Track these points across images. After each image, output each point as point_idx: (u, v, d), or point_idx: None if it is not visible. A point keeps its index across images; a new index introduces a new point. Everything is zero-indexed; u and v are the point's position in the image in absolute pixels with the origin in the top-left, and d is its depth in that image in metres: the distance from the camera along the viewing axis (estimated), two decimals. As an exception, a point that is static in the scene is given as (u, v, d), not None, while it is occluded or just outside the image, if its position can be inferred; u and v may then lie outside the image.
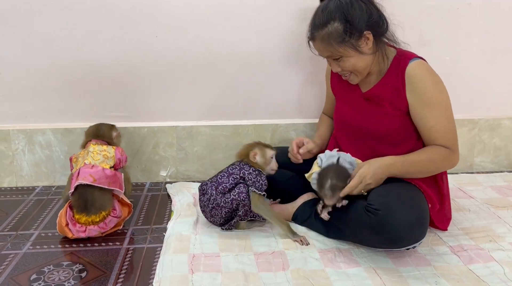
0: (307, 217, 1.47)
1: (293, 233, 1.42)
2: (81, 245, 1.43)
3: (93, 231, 1.44)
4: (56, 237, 1.48)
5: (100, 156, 1.54)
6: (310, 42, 1.41)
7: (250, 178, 1.45)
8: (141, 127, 1.89)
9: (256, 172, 1.47)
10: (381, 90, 1.42)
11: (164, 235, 1.48)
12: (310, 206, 1.49)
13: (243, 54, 1.85)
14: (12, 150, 1.86)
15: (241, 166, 1.49)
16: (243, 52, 1.84)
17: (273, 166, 1.53)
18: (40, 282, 1.23)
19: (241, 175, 1.46)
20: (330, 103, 1.70)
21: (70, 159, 1.62)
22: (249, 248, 1.36)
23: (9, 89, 1.82)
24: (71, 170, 1.59)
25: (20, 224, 1.57)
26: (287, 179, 1.61)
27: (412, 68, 1.37)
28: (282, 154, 1.65)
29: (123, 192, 1.55)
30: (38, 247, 1.41)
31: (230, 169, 1.50)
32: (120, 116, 1.87)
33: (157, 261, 1.33)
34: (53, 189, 1.87)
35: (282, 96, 1.92)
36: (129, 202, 1.58)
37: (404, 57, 1.40)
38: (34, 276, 1.26)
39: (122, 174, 1.58)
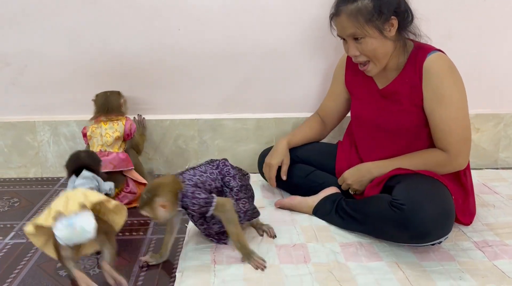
0: (328, 211, 1.47)
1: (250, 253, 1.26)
2: (105, 234, 1.45)
3: None
4: (81, 226, 1.51)
5: (111, 139, 1.63)
6: (333, 19, 1.39)
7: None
8: (163, 120, 1.91)
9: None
10: (399, 87, 1.41)
11: (186, 226, 1.49)
12: (331, 200, 1.48)
13: (265, 47, 1.85)
14: (37, 142, 1.90)
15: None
16: (266, 45, 1.84)
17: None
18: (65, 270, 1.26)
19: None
20: (332, 102, 1.66)
21: (84, 134, 1.67)
22: (271, 240, 1.37)
23: (35, 81, 1.86)
24: (86, 144, 1.69)
25: (46, 213, 1.60)
26: (307, 174, 1.62)
27: (430, 61, 1.34)
28: (304, 149, 1.66)
29: (133, 168, 1.64)
30: (64, 235, 1.44)
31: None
32: (143, 108, 1.89)
33: (179, 251, 1.35)
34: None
35: (304, 90, 1.91)
36: (145, 181, 1.65)
37: (422, 51, 1.37)
38: (59, 264, 1.29)
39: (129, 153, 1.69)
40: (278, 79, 1.90)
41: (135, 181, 1.65)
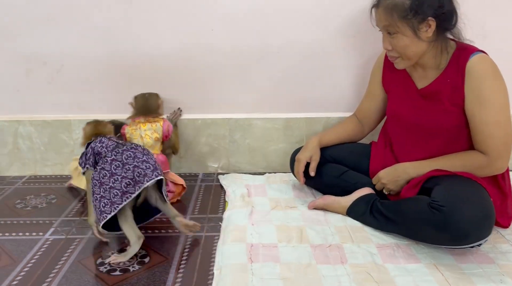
0: (362, 212, 1.47)
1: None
2: (143, 231, 1.46)
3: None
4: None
5: (151, 140, 1.64)
6: (373, 9, 1.40)
7: None
8: (195, 119, 1.93)
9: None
10: (440, 86, 1.39)
11: (220, 225, 1.51)
12: (366, 201, 1.48)
13: (297, 46, 1.85)
14: (73, 140, 1.94)
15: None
16: (298, 44, 1.84)
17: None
18: (106, 266, 1.29)
19: None
20: (370, 102, 1.66)
21: (123, 134, 1.69)
22: (306, 239, 1.37)
23: (70, 80, 1.89)
24: None
25: (83, 210, 1.64)
26: (340, 174, 1.61)
27: (473, 62, 1.33)
28: (336, 149, 1.66)
29: (169, 171, 1.68)
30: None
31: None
32: (175, 107, 1.91)
33: (215, 249, 1.36)
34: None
35: (336, 89, 1.91)
36: (182, 181, 1.69)
37: (464, 51, 1.36)
38: (100, 260, 1.32)
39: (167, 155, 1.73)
40: (310, 78, 1.90)
41: (172, 181, 1.68)
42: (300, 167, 1.62)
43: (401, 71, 1.50)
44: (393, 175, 1.43)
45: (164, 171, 1.64)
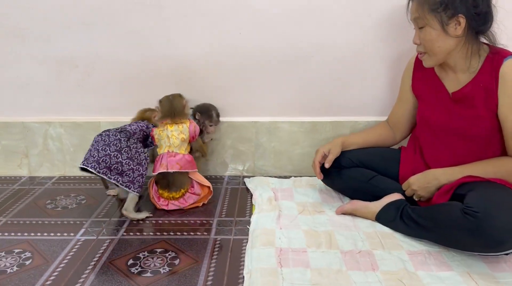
0: (392, 218, 1.45)
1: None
2: (171, 233, 1.49)
3: (174, 205, 1.65)
4: (147, 224, 1.56)
5: (178, 141, 1.65)
6: (409, 3, 1.41)
7: None
8: (222, 122, 1.94)
9: None
10: (472, 91, 1.37)
11: (248, 228, 1.51)
12: (395, 207, 1.46)
13: (326, 50, 1.84)
14: (102, 141, 1.97)
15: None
16: (327, 48, 1.84)
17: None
18: (137, 267, 1.30)
19: None
20: (402, 108, 1.64)
21: (152, 136, 1.71)
22: (335, 245, 1.37)
23: (101, 83, 1.92)
24: (154, 144, 1.73)
25: (112, 211, 1.66)
26: (369, 179, 1.60)
27: (506, 67, 1.31)
28: (365, 153, 1.64)
29: (194, 169, 1.69)
30: (131, 233, 1.49)
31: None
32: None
33: (244, 253, 1.36)
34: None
35: (363, 93, 1.89)
36: (208, 183, 1.70)
37: (498, 55, 1.34)
38: (131, 261, 1.33)
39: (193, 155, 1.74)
40: (338, 81, 1.89)
41: (199, 183, 1.69)
42: (316, 158, 1.61)
43: (432, 76, 1.49)
44: (424, 181, 1.42)
45: (191, 171, 1.66)
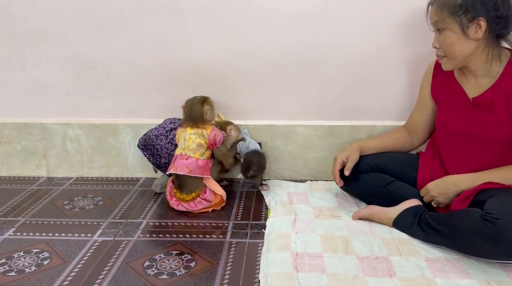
0: (410, 224, 1.43)
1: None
2: (187, 236, 1.50)
3: (183, 207, 1.66)
4: (163, 226, 1.57)
5: (194, 144, 1.65)
6: (429, 7, 1.40)
7: None
8: (238, 125, 1.94)
9: None
10: (493, 96, 1.35)
11: (263, 232, 1.51)
12: (413, 213, 1.44)
13: (343, 53, 1.84)
14: (119, 143, 1.99)
15: None
16: (344, 50, 1.83)
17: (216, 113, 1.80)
18: (153, 269, 1.31)
19: None
20: (420, 114, 1.62)
21: (175, 135, 1.74)
22: (352, 250, 1.36)
23: (120, 86, 1.94)
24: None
25: (129, 213, 1.68)
26: (386, 184, 1.58)
27: None
28: (383, 158, 1.63)
29: (207, 175, 1.67)
30: (147, 235, 1.50)
31: None
32: (221, 113, 1.94)
33: (259, 256, 1.36)
34: (156, 181, 1.98)
35: (381, 97, 1.88)
36: (221, 192, 1.68)
37: None
38: (147, 263, 1.34)
39: (212, 160, 1.73)
40: (355, 85, 1.88)
41: (212, 190, 1.68)
42: (335, 166, 1.60)
43: (452, 81, 1.47)
44: (443, 188, 1.40)
45: (202, 176, 1.65)
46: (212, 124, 1.75)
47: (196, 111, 1.69)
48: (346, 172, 1.58)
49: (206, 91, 1.90)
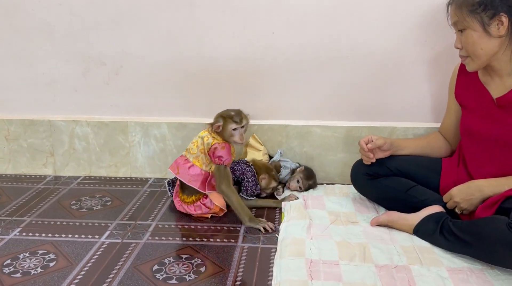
0: (431, 231, 1.42)
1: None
2: (197, 239, 1.51)
3: (183, 209, 1.68)
4: (172, 229, 1.58)
5: (196, 149, 1.65)
6: (449, 7, 1.40)
7: (246, 185, 1.76)
8: (251, 125, 1.93)
9: (253, 182, 1.77)
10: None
11: (276, 236, 1.51)
12: (435, 220, 1.43)
13: (364, 51, 1.83)
14: (129, 142, 2.01)
15: (245, 171, 1.78)
16: (365, 49, 1.82)
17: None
18: (162, 273, 1.32)
19: (239, 179, 1.79)
20: (451, 118, 1.62)
21: None
22: (370, 258, 1.35)
23: (129, 82, 1.96)
24: None
25: (137, 214, 1.69)
26: (407, 189, 1.57)
27: None
28: (404, 161, 1.62)
29: (205, 192, 1.64)
30: (156, 238, 1.51)
31: (234, 168, 1.79)
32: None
33: (272, 262, 1.36)
34: (165, 181, 1.99)
35: (403, 97, 1.87)
36: (221, 204, 1.65)
37: None
38: (156, 267, 1.35)
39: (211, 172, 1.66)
40: (376, 84, 1.87)
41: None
42: (361, 140, 1.58)
43: (475, 82, 1.46)
44: (467, 193, 1.39)
45: (194, 187, 1.63)
46: (227, 142, 1.64)
47: (217, 116, 1.65)
48: (369, 145, 1.56)
49: (220, 90, 1.91)
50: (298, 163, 1.94)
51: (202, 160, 1.65)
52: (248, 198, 1.75)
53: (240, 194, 1.75)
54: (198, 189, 1.63)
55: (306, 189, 1.86)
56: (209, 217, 1.67)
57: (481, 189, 1.37)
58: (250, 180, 1.76)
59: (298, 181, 1.85)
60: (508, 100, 1.37)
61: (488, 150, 1.43)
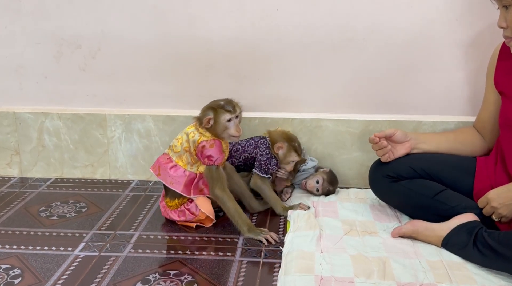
0: (464, 244, 1.42)
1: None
2: (188, 252, 1.50)
3: (167, 215, 1.69)
4: (159, 240, 1.58)
5: (179, 147, 1.65)
6: None
7: (259, 159, 1.75)
8: (251, 118, 1.95)
9: (268, 155, 1.76)
10: None
11: (281, 250, 1.51)
12: (468, 230, 1.43)
13: (385, 33, 1.83)
14: (107, 138, 2.01)
15: (258, 144, 1.78)
16: (386, 30, 1.82)
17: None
18: (146, 292, 1.32)
19: (253, 155, 1.78)
20: (489, 109, 1.62)
21: None
22: (391, 275, 1.35)
23: (109, 68, 1.96)
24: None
25: (117, 222, 1.69)
26: (435, 194, 1.57)
27: None
28: (432, 162, 1.62)
29: (188, 196, 1.64)
30: (140, 250, 1.51)
31: (247, 144, 1.80)
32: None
33: (276, 280, 1.36)
34: (150, 184, 1.99)
35: (430, 87, 1.87)
36: (208, 211, 1.64)
37: None
38: (139, 284, 1.34)
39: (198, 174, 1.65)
40: (397, 72, 1.87)
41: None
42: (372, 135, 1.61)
43: None
44: (507, 198, 1.39)
45: (176, 190, 1.63)
46: (216, 139, 1.63)
47: (201, 112, 1.64)
48: (377, 133, 1.59)
49: (214, 77, 1.91)
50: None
51: (187, 160, 1.64)
52: (262, 174, 1.75)
53: (254, 169, 1.76)
54: (181, 193, 1.63)
55: (323, 194, 1.86)
56: (193, 226, 1.66)
57: None
58: (264, 153, 1.76)
59: (318, 182, 1.85)
60: None
61: None
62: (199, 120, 1.63)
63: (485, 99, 1.63)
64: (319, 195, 1.86)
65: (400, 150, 1.62)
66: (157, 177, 1.67)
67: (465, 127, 1.71)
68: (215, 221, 1.68)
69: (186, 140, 1.63)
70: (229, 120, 1.60)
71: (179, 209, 1.66)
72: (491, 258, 1.35)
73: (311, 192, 1.86)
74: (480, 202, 1.46)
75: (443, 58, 1.83)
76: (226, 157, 1.68)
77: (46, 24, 1.93)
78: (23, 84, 2.02)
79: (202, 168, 1.65)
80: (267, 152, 1.77)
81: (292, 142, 1.79)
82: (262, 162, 1.76)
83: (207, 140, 1.60)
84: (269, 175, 1.77)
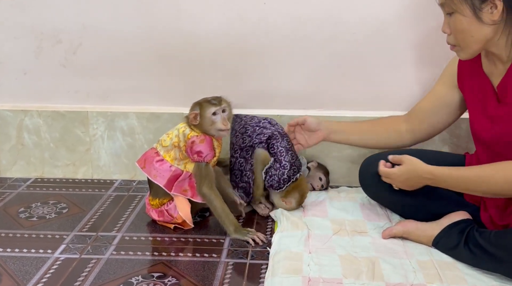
0: (454, 243, 1.43)
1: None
2: (172, 253, 1.51)
3: (148, 210, 1.70)
4: (142, 242, 1.58)
5: (168, 141, 1.65)
6: None
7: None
8: (236, 115, 1.94)
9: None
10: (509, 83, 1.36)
11: (268, 250, 1.52)
12: (459, 229, 1.45)
13: (372, 25, 1.84)
14: (89, 136, 2.00)
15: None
16: (373, 22, 1.84)
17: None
18: (129, 296, 1.32)
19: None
20: (429, 102, 1.64)
21: None
22: (380, 276, 1.36)
23: (91, 63, 1.96)
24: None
25: (100, 224, 1.69)
26: (426, 192, 1.55)
27: None
28: (420, 158, 1.62)
29: (170, 192, 1.64)
30: (122, 252, 1.51)
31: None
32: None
33: (262, 281, 1.37)
34: (134, 184, 1.99)
35: (424, 81, 1.88)
36: (185, 215, 1.63)
37: None
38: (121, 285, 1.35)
39: (185, 171, 1.65)
40: (388, 66, 1.88)
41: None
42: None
43: (478, 71, 1.47)
44: (405, 181, 1.48)
45: (159, 184, 1.63)
46: (208, 135, 1.63)
47: (192, 105, 1.65)
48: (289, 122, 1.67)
49: (201, 72, 1.92)
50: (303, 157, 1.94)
51: (174, 155, 1.65)
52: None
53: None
54: (164, 188, 1.63)
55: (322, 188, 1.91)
56: (172, 228, 1.67)
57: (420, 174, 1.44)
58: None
59: (321, 179, 1.88)
60: (502, 89, 1.38)
61: (499, 155, 1.41)
62: (187, 117, 1.64)
63: (433, 93, 1.64)
64: (325, 189, 1.91)
65: (313, 140, 1.70)
66: (142, 170, 1.66)
67: (389, 116, 1.76)
68: (192, 226, 1.67)
69: (177, 135, 1.64)
70: (214, 113, 1.60)
71: (159, 209, 1.67)
72: (482, 258, 1.36)
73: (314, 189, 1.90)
74: (393, 158, 1.51)
75: (436, 54, 1.84)
76: (217, 156, 1.69)
77: (24, 17, 1.92)
78: (1, 81, 2.01)
79: (189, 166, 1.65)
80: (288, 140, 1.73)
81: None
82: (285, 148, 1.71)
83: (197, 135, 1.61)
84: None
